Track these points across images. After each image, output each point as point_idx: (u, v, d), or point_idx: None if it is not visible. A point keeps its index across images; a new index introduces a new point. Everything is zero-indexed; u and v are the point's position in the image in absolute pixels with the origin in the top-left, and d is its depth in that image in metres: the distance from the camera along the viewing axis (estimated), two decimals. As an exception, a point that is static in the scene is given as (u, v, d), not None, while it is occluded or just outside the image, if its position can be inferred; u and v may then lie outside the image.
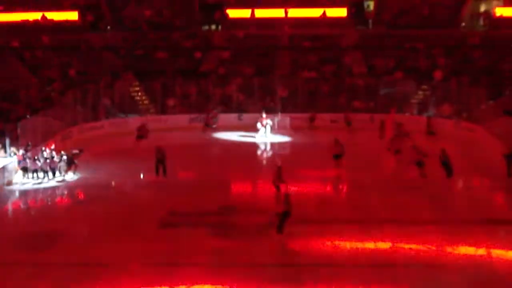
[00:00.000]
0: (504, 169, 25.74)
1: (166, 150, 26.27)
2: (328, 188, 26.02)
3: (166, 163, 25.93)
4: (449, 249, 19.59)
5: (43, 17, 41.60)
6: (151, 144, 29.74)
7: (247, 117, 37.39)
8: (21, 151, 27.71)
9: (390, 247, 19.83)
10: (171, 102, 38.70)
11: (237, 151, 33.54)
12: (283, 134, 36.45)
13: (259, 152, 34.32)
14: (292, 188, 24.87)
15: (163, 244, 20.04)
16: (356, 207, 23.90)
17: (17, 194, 25.76)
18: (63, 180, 26.79)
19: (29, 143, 27.89)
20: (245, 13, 43.67)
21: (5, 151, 27.40)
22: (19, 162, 26.99)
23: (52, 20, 41.70)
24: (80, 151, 27.75)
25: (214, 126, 36.27)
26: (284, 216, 20.21)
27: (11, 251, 19.67)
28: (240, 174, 28.85)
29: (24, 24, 40.78)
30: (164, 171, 25.86)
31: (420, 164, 26.04)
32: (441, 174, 26.36)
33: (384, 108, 36.58)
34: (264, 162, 32.67)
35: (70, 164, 26.70)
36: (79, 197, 26.02)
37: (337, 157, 28.20)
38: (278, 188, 23.66)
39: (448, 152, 26.85)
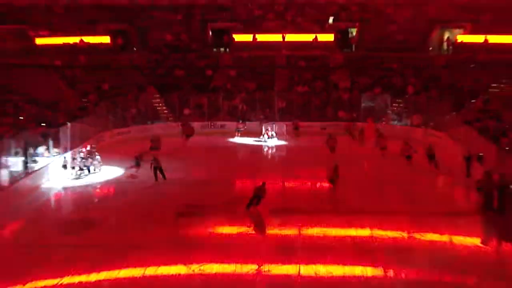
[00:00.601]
0: (464, 169, 26.09)
1: (160, 159, 26.09)
2: (318, 183, 26.11)
3: (162, 169, 25.76)
4: (418, 236, 19.90)
5: (81, 41, 41.81)
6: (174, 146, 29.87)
7: (249, 124, 37.52)
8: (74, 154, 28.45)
9: (369, 234, 20.08)
10: (186, 111, 38.92)
11: (242, 153, 33.77)
12: (280, 139, 36.62)
13: (260, 154, 34.29)
14: (289, 184, 25.20)
15: (180, 229, 20.47)
16: (341, 200, 24.18)
17: (60, 188, 26.01)
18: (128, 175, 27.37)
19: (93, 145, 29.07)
20: (248, 37, 43.91)
21: (49, 152, 27.64)
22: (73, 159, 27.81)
23: (84, 43, 41.87)
24: (143, 154, 28.18)
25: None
26: (257, 198, 21.53)
27: (57, 234, 20.14)
28: (244, 172, 29.04)
29: (65, 46, 40.98)
30: (163, 175, 25.76)
31: (409, 157, 27.61)
32: (412, 171, 26.83)
33: (364, 118, 36.89)
34: (264, 162, 32.69)
35: (137, 165, 27.08)
36: (112, 190, 26.22)
37: (333, 149, 30.31)
38: (333, 182, 24.31)
39: (433, 148, 27.99)
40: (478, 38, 40.03)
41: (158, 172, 25.68)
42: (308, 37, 43.71)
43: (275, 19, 45.33)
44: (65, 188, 25.90)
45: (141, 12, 45.81)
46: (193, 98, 39.76)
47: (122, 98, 37.96)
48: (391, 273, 16.72)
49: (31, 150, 26.93)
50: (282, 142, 35.72)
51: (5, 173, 24.09)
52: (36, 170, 26.01)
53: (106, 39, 43.17)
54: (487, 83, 36.04)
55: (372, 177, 26.86)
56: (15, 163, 25.36)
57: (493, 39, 39.05)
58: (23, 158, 25.92)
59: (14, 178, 24.36)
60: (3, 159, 24.92)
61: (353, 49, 44.55)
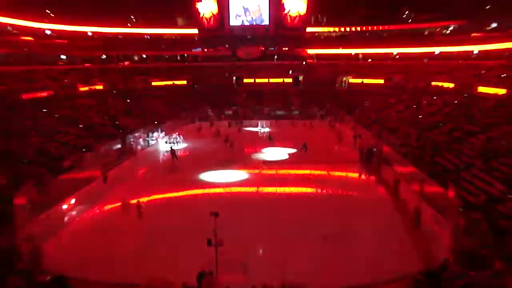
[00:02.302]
0: (353, 142, 25.74)
1: (177, 151, 23.60)
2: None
3: (177, 155, 22.86)
4: (331, 173, 20.11)
5: (173, 83, 41.64)
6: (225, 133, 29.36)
7: (253, 122, 36.57)
8: (167, 136, 28.19)
9: (309, 173, 20.27)
10: (222, 116, 38.32)
11: (250, 134, 33.54)
12: (267, 127, 35.85)
13: (259, 135, 33.63)
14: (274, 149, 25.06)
15: (218, 170, 20.44)
16: (290, 155, 23.96)
17: (164, 151, 25.82)
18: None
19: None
20: (251, 80, 43.55)
21: (159, 135, 27.72)
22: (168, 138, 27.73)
23: (174, 84, 41.57)
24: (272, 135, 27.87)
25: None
26: (305, 147, 22.95)
27: (163, 172, 20.46)
28: (251, 143, 28.05)
29: (166, 86, 40.86)
30: (176, 158, 22.69)
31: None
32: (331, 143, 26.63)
33: (307, 118, 36.19)
34: (262, 139, 31.89)
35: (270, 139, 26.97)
36: (188, 152, 26.22)
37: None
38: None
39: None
40: (359, 80, 39.93)
41: (174, 154, 23.03)
42: (280, 80, 43.24)
43: (264, 71, 44.53)
44: (166, 152, 25.60)
45: (200, 69, 44.90)
46: (226, 109, 39.13)
47: (191, 110, 37.39)
48: (318, 190, 17.04)
49: (150, 134, 26.94)
50: (269, 129, 35.09)
51: (138, 146, 24.31)
52: (153, 144, 26.05)
53: (184, 82, 42.56)
54: (363, 101, 35.74)
55: (312, 144, 26.71)
56: (143, 140, 25.64)
57: (366, 81, 39.10)
58: (146, 138, 26.04)
59: (142, 147, 24.52)
60: (138, 138, 25.12)
61: (301, 86, 43.90)
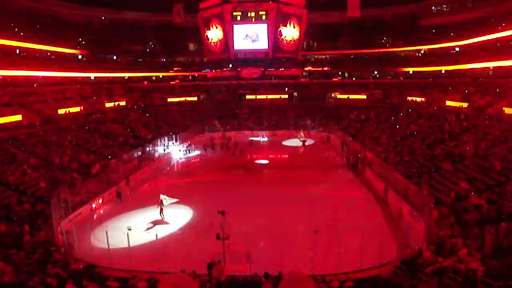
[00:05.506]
0: (340, 148, 25.83)
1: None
2: (279, 156, 26.03)
3: (120, 197, 16.35)
4: (323, 175, 20.05)
5: (185, 99, 41.67)
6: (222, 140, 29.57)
7: (255, 132, 35.96)
8: (183, 144, 28.26)
9: (299, 174, 20.15)
10: (228, 127, 38.34)
11: (252, 141, 33.44)
12: (267, 137, 35.44)
13: (261, 143, 33.34)
14: (270, 156, 25.13)
15: (226, 175, 20.48)
16: (286, 161, 24.01)
17: (178, 158, 25.78)
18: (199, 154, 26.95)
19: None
20: (253, 96, 43.46)
21: (174, 144, 27.59)
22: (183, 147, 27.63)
23: (187, 100, 41.63)
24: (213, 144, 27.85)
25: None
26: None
27: (177, 176, 20.46)
28: (254, 151, 27.40)
29: (179, 101, 40.98)
30: (120, 198, 16.34)
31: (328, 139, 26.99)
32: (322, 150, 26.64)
33: (300, 128, 35.77)
34: (263, 146, 31.61)
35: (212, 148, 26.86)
36: (198, 159, 26.24)
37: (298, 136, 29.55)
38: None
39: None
40: (345, 96, 39.84)
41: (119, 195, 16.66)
42: (277, 96, 43.15)
43: (264, 89, 44.65)
44: (180, 158, 25.77)
45: (210, 87, 45.05)
46: (231, 121, 38.69)
47: (202, 121, 37.04)
48: (311, 191, 16.82)
49: (166, 143, 26.83)
50: (267, 139, 34.68)
51: (156, 153, 24.34)
52: (169, 151, 25.99)
53: (195, 98, 42.61)
54: (348, 113, 35.63)
55: (305, 152, 26.70)
56: (160, 148, 25.54)
57: (351, 96, 39.03)
58: (163, 146, 26.00)
59: (160, 155, 24.50)
60: (156, 147, 25.10)
61: (295, 101, 43.92)
